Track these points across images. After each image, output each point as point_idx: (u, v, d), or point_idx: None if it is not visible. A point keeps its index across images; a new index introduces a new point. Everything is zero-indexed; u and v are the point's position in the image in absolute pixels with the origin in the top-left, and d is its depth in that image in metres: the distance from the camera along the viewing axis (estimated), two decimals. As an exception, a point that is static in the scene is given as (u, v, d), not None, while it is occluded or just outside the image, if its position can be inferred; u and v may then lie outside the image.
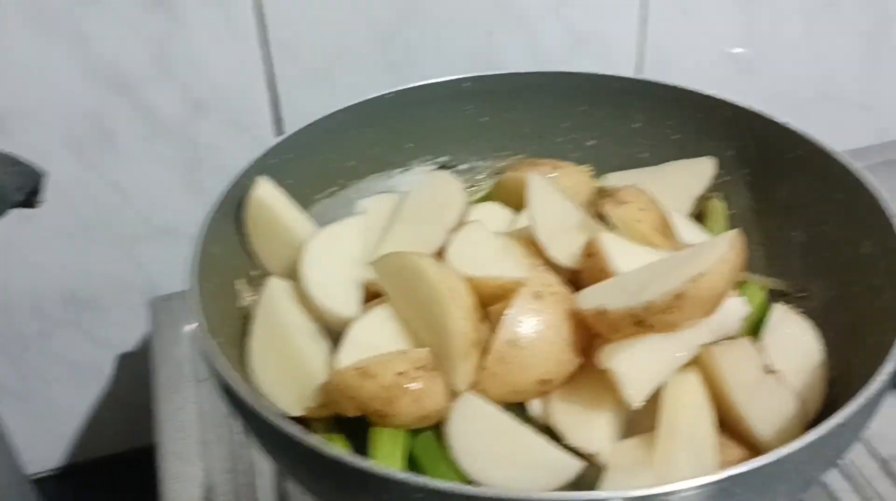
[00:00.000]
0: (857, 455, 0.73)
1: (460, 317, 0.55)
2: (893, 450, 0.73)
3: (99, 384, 1.03)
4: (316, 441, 0.47)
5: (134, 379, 1.02)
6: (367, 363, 0.54)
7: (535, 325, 0.57)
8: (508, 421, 0.56)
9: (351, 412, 0.55)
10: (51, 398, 1.02)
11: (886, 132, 1.20)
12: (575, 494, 0.44)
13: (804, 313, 0.66)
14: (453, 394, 0.57)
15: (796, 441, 0.45)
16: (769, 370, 0.57)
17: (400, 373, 0.54)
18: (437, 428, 0.57)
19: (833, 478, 0.71)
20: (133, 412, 1.03)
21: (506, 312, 0.57)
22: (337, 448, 0.46)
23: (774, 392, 0.57)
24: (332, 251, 0.65)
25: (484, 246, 0.63)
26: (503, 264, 0.61)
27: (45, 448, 1.06)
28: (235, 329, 0.65)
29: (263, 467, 0.74)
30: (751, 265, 0.73)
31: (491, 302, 0.61)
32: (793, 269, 0.70)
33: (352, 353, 0.57)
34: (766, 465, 0.44)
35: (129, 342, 1.01)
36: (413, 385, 0.54)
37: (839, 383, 0.60)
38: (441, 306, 0.56)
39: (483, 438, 0.54)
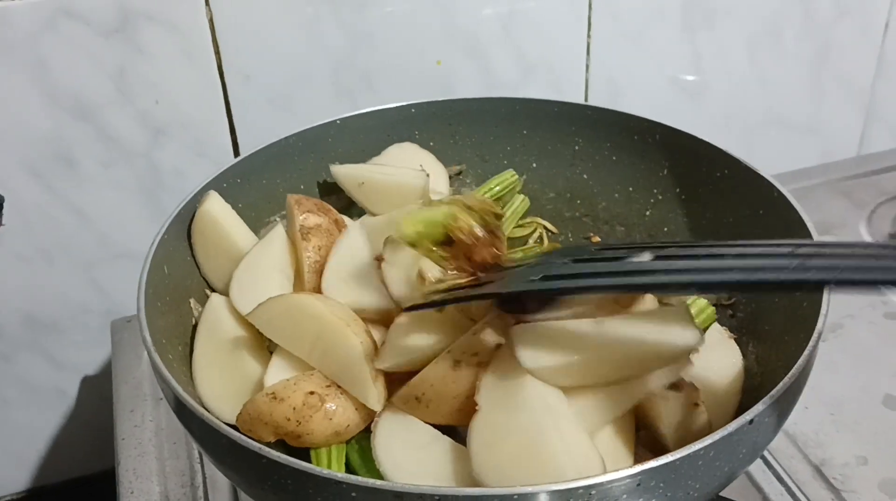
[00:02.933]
0: (790, 461, 0.76)
1: (360, 341, 0.57)
2: (825, 455, 0.76)
3: (62, 407, 1.04)
4: (255, 444, 0.49)
5: (97, 402, 1.04)
6: (276, 388, 0.57)
7: (444, 390, 0.56)
8: (431, 432, 0.57)
9: (268, 437, 0.57)
10: (13, 422, 1.03)
11: (829, 154, 1.24)
12: (500, 490, 0.46)
13: (734, 320, 0.71)
14: (365, 410, 0.59)
15: (702, 439, 0.48)
16: (695, 403, 0.59)
17: (310, 393, 0.57)
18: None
19: (767, 482, 0.74)
20: (97, 435, 1.05)
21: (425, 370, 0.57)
22: (276, 452, 0.48)
23: (696, 423, 0.58)
24: (262, 265, 0.67)
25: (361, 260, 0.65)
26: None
27: (8, 472, 1.07)
28: (189, 347, 0.68)
29: (220, 482, 0.76)
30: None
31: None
32: (724, 282, 0.74)
33: (279, 374, 0.59)
34: (677, 459, 0.47)
35: (90, 365, 1.02)
36: (327, 405, 0.56)
37: (761, 387, 0.63)
38: (340, 336, 0.57)
39: (407, 449, 0.56)
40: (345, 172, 0.78)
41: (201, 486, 0.75)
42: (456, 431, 0.58)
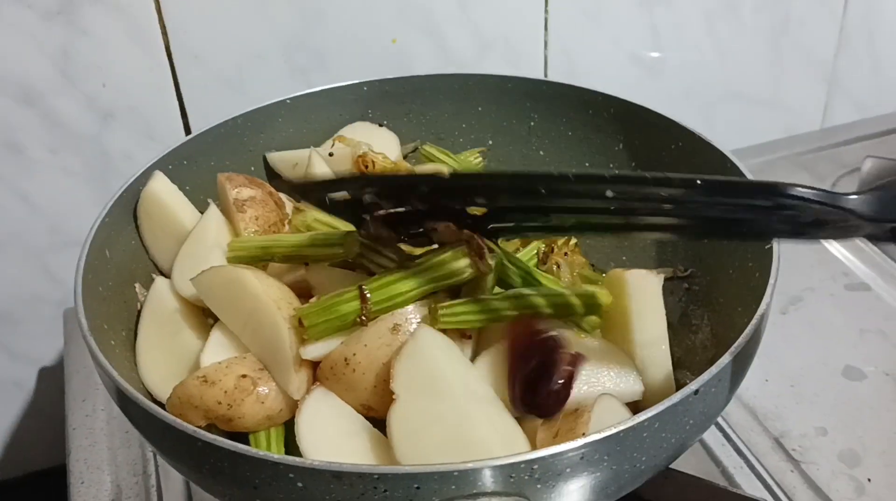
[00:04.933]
0: (749, 433, 0.75)
1: (289, 328, 0.55)
2: (784, 427, 0.75)
3: (18, 400, 1.02)
4: (189, 427, 0.48)
5: (54, 394, 1.01)
6: (206, 371, 0.55)
7: (377, 354, 0.55)
8: (357, 420, 0.56)
9: (198, 420, 0.55)
10: (-31, 415, 1.01)
11: (792, 127, 1.24)
12: (441, 466, 0.45)
13: (690, 293, 0.70)
14: None
15: (646, 410, 0.47)
16: None
17: (242, 376, 0.55)
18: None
19: (726, 455, 0.73)
20: (55, 427, 1.03)
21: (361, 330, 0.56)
22: (211, 434, 0.47)
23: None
24: (201, 245, 0.66)
25: None
26: None
27: (-33, 467, 1.05)
28: (134, 332, 0.66)
29: (172, 471, 0.75)
30: (643, 256, 0.76)
31: None
32: (679, 256, 0.73)
33: (216, 352, 0.57)
34: (621, 431, 0.46)
35: (46, 356, 1.00)
36: (259, 388, 0.55)
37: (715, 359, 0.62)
38: (269, 318, 0.56)
39: (332, 436, 0.54)
40: (280, 157, 0.78)
41: (153, 475, 0.74)
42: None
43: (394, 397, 0.52)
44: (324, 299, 0.56)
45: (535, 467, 0.46)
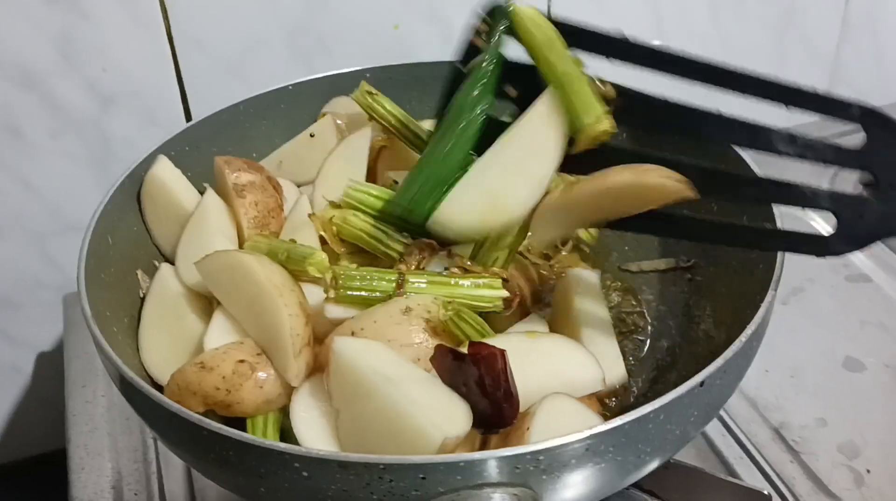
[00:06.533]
0: (749, 424, 0.75)
1: (289, 314, 0.56)
2: (784, 418, 0.76)
3: (17, 385, 1.02)
4: (195, 416, 0.47)
5: (53, 379, 1.01)
6: (204, 358, 0.55)
7: (385, 330, 0.56)
8: None
9: (197, 407, 0.55)
10: (-32, 400, 1.01)
11: (794, 119, 1.23)
12: (447, 457, 0.45)
13: (693, 284, 0.70)
14: None
15: (652, 402, 0.47)
16: None
17: (240, 361, 0.55)
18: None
19: (726, 446, 0.74)
20: (53, 412, 1.02)
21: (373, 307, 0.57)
22: (217, 424, 0.47)
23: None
24: (203, 231, 0.66)
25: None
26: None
27: (-35, 450, 1.05)
28: (136, 319, 0.66)
29: (173, 458, 0.75)
30: (646, 247, 0.76)
31: None
32: (682, 247, 0.73)
33: (221, 336, 0.58)
34: (627, 423, 0.47)
35: (45, 341, 1.00)
36: (258, 373, 0.55)
37: (719, 350, 0.62)
38: (270, 304, 0.56)
39: (326, 421, 0.54)
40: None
41: (154, 462, 0.74)
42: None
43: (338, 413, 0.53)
44: (366, 269, 0.57)
45: (541, 458, 0.46)
